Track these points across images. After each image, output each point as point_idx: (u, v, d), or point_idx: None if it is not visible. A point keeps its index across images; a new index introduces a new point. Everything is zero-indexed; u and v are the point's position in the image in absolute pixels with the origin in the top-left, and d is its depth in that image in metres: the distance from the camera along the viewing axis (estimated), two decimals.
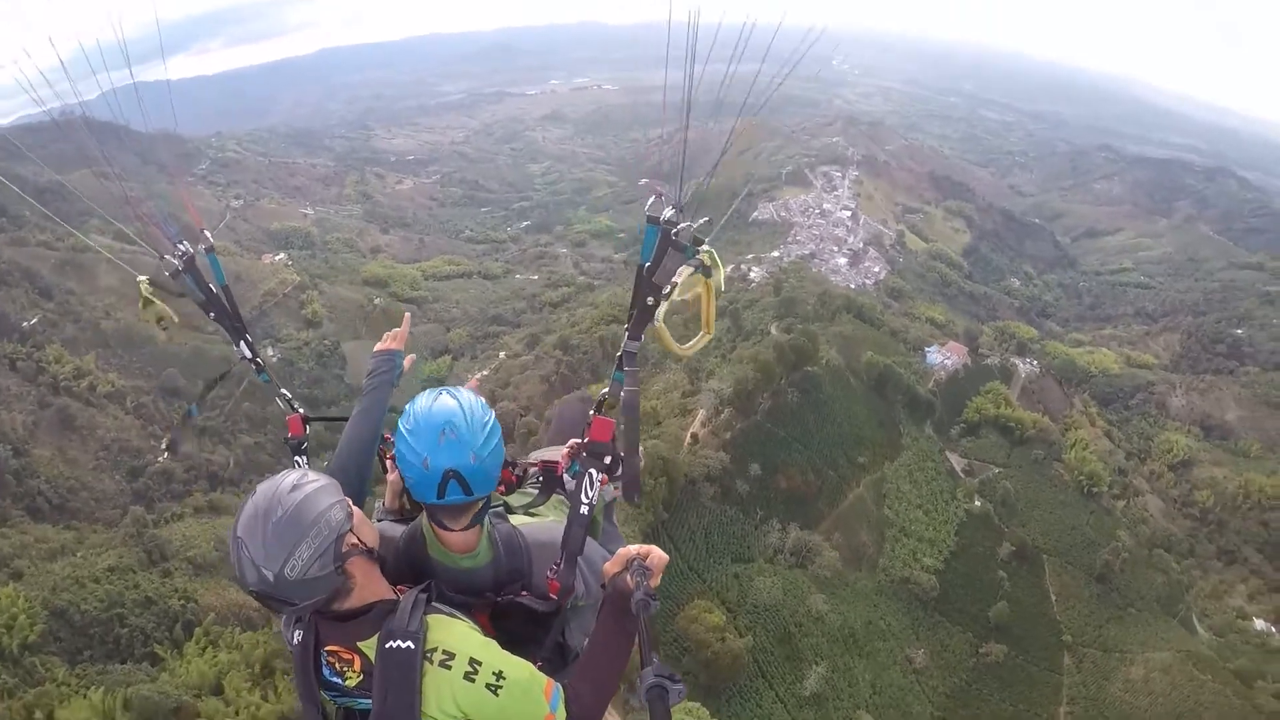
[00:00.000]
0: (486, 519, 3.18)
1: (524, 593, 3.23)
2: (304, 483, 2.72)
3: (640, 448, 3.55)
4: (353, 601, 2.79)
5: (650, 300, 3.25)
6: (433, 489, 2.88)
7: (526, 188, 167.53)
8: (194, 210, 3.96)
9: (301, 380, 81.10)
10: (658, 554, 2.91)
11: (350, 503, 2.85)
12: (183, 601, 45.33)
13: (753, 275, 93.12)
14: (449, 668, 2.72)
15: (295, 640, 2.92)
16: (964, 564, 59.52)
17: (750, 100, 3.10)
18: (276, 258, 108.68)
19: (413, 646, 2.69)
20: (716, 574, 52.10)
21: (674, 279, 3.14)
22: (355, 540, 2.78)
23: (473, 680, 2.72)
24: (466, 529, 3.06)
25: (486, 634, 2.99)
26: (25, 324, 70.37)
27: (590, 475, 3.28)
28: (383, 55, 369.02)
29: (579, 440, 3.73)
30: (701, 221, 3.13)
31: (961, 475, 67.38)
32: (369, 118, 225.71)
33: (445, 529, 3.05)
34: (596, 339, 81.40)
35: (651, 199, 3.23)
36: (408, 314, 4.17)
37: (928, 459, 67.42)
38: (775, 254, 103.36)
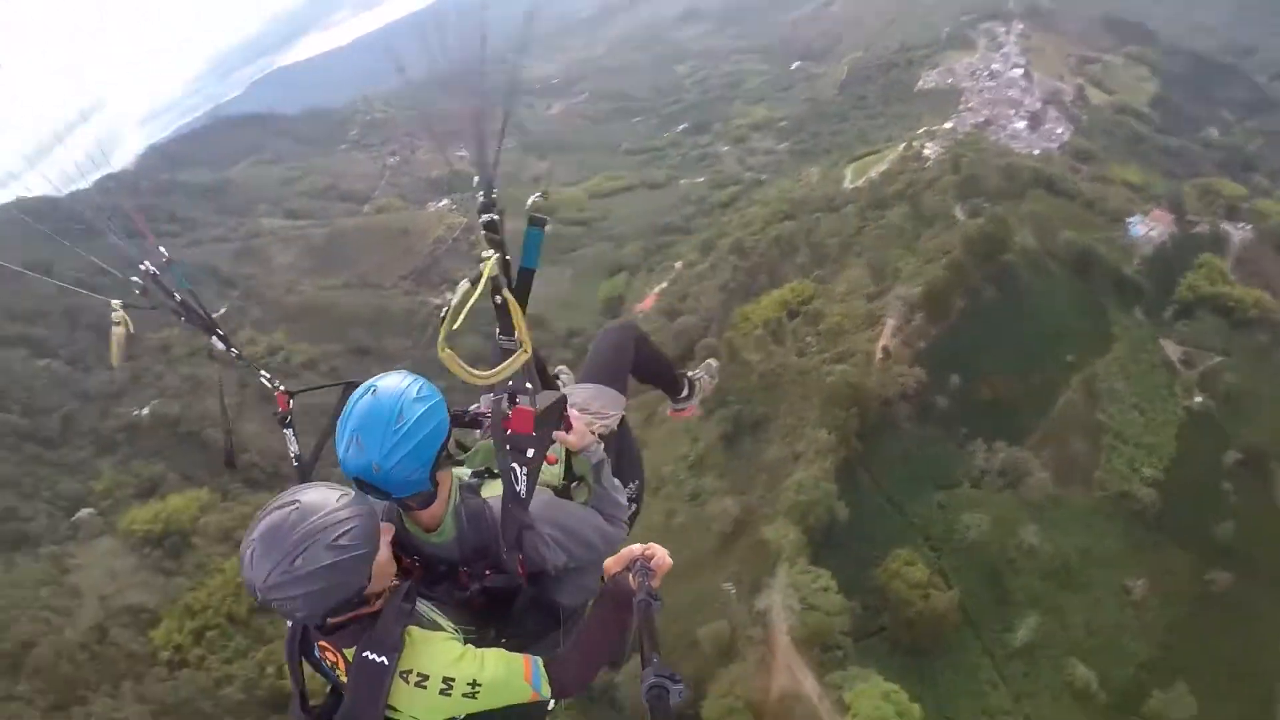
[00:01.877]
0: (455, 493, 3.12)
1: (488, 572, 3.10)
2: None
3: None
4: (374, 588, 2.81)
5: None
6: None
7: (676, 91, 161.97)
8: (146, 229, 4.08)
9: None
10: (661, 555, 2.86)
11: None
12: None
13: (927, 152, 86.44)
14: (424, 688, 2.75)
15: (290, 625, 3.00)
16: (1185, 473, 52.33)
17: None
18: (440, 204, 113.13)
19: (386, 663, 2.70)
20: (918, 505, 48.91)
21: (449, 293, 2.74)
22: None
23: (448, 695, 2.76)
24: (421, 508, 3.04)
25: (484, 624, 3.14)
26: (216, 315, 79.49)
27: (514, 471, 2.94)
28: None
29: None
30: (535, 197, 3.79)
31: (1180, 367, 59.87)
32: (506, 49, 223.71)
33: (405, 507, 3.06)
34: (771, 239, 78.72)
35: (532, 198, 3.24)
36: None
37: (1141, 350, 60.21)
38: (949, 125, 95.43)
